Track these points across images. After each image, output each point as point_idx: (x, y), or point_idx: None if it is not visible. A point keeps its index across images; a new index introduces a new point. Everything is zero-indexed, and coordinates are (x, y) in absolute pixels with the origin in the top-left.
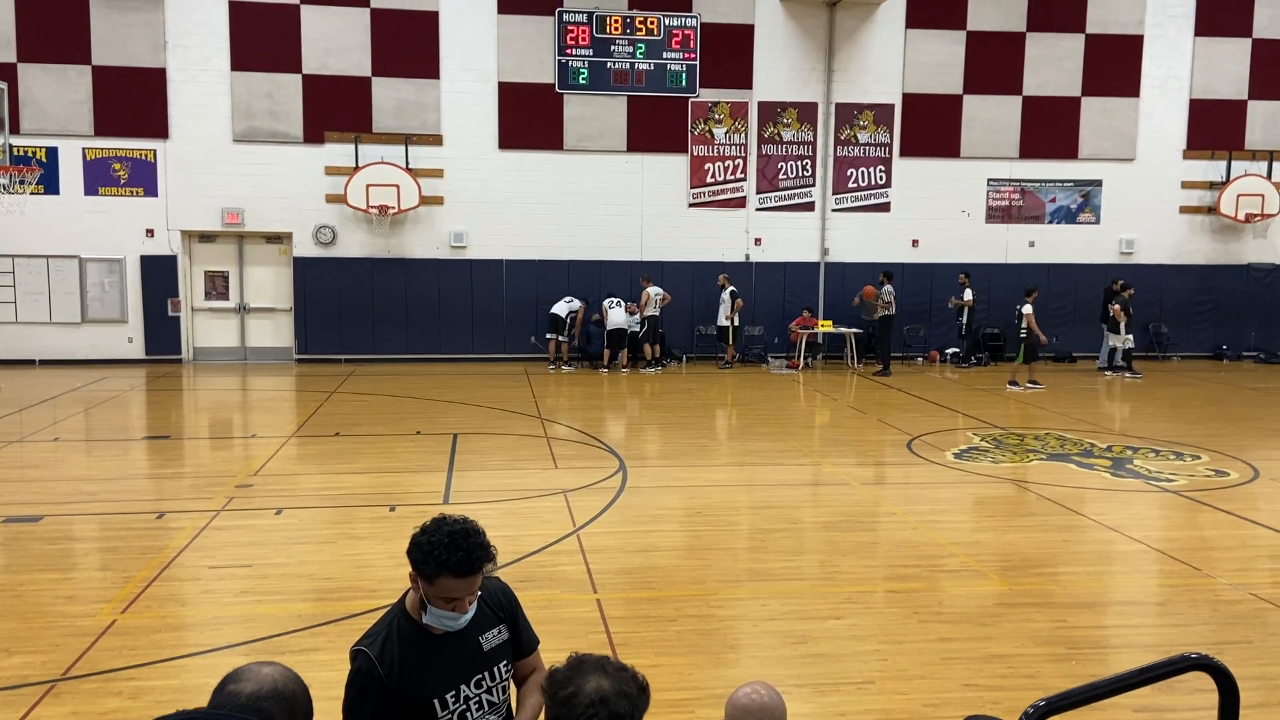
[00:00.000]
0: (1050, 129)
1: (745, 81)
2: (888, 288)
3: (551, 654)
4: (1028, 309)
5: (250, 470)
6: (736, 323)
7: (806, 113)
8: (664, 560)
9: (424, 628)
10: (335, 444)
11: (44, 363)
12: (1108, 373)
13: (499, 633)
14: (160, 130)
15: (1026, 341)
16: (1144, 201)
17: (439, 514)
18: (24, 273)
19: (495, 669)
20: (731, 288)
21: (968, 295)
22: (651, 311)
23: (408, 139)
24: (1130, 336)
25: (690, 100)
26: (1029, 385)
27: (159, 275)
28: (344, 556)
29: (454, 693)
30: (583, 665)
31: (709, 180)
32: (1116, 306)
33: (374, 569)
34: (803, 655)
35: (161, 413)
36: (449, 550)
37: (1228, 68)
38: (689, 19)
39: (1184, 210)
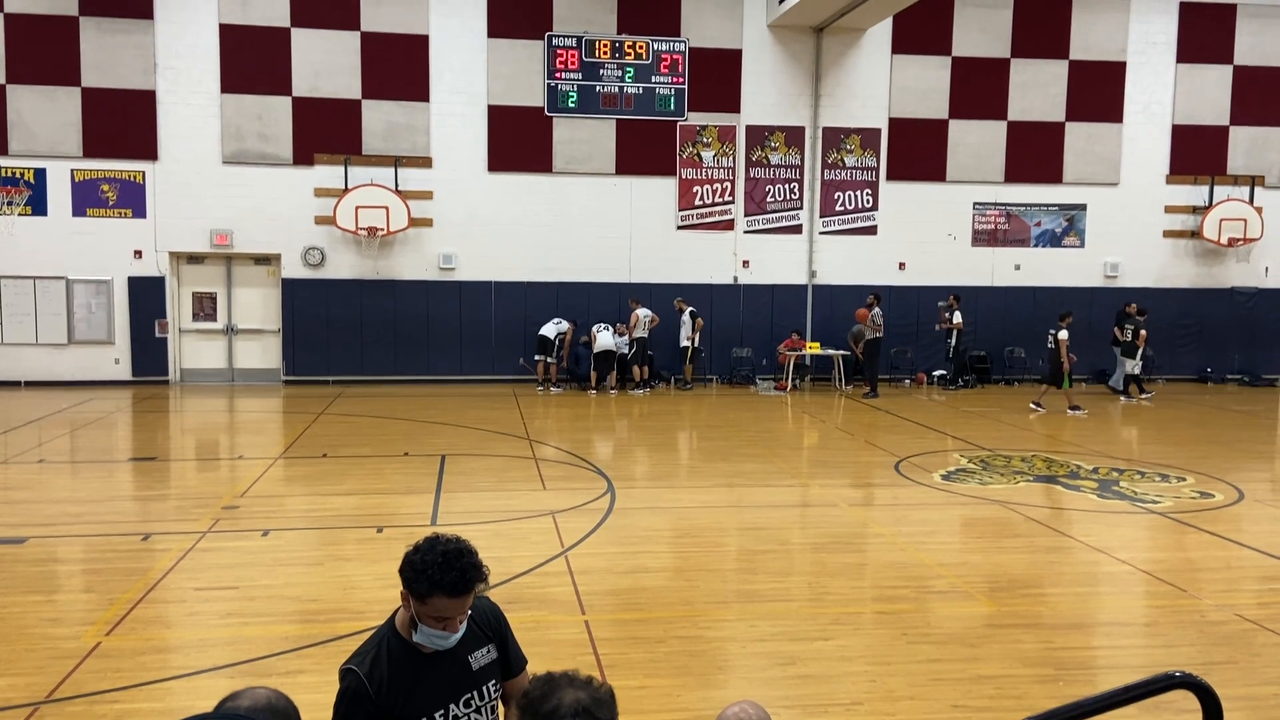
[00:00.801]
0: (1035, 154)
1: (733, 105)
2: (876, 310)
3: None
4: (1064, 335)
5: (237, 492)
6: (697, 343)
7: (794, 136)
8: (652, 581)
9: (413, 646)
10: (322, 465)
11: (30, 384)
12: (1124, 397)
13: (488, 652)
14: (149, 152)
15: (1065, 366)
16: (1128, 225)
17: (431, 533)
18: (10, 294)
19: (484, 688)
20: (690, 308)
21: (957, 318)
22: (640, 333)
23: (397, 161)
24: (1141, 362)
25: (679, 124)
26: (1033, 406)
27: (146, 296)
28: (331, 578)
29: (443, 712)
30: (554, 680)
31: (697, 203)
32: (1144, 332)
33: (361, 590)
34: (791, 676)
35: (148, 434)
36: (443, 570)
37: (1210, 94)
38: (677, 43)
39: (1167, 234)
